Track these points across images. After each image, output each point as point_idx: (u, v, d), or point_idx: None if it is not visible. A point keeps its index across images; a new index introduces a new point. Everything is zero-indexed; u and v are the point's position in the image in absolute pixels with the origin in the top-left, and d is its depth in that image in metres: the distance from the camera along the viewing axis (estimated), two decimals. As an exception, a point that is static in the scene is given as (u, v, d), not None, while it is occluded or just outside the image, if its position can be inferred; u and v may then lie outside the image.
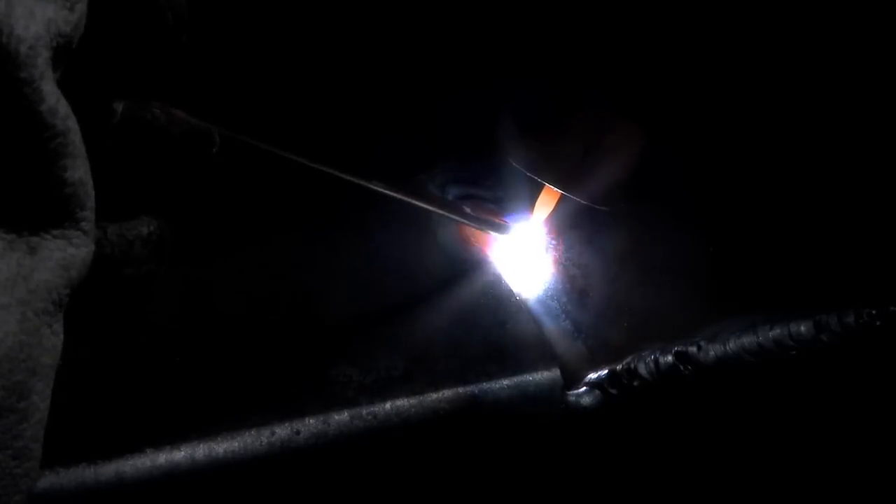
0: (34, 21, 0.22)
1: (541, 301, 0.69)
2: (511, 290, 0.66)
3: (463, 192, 0.74)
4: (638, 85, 0.57)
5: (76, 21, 0.24)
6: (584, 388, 0.63)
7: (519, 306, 0.66)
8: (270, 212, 0.58)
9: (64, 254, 0.24)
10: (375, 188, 0.50)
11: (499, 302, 0.66)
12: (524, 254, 0.68)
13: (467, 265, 0.66)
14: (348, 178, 0.49)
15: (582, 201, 0.61)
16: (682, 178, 0.59)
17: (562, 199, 0.64)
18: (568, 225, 0.67)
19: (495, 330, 0.64)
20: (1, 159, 0.23)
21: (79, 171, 0.24)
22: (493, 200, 0.75)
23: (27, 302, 0.22)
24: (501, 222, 0.61)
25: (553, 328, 0.67)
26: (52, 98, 0.23)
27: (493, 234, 0.62)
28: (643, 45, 0.56)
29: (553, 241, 0.69)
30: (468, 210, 0.59)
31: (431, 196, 0.53)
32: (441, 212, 0.54)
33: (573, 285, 0.68)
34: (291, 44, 0.61)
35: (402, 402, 0.59)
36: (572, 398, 0.63)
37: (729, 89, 0.55)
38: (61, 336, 0.24)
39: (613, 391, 0.61)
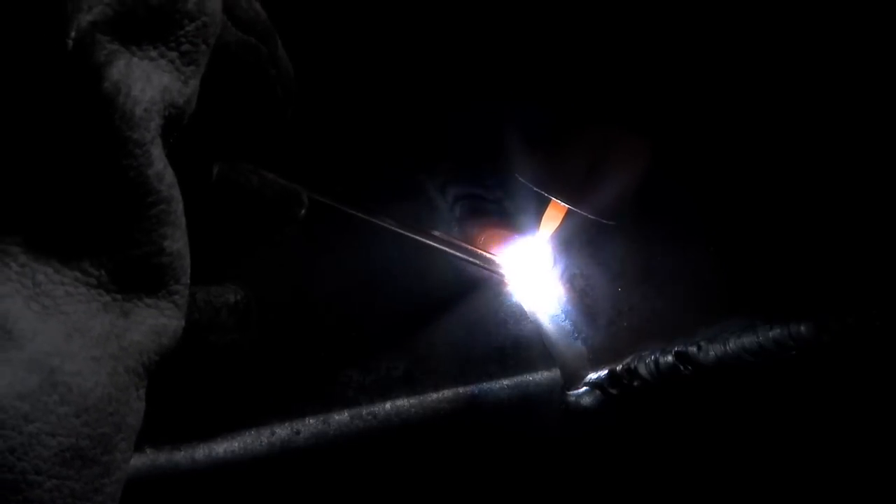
0: (150, 86, 0.22)
1: (541, 303, 0.69)
2: (512, 292, 0.66)
3: (463, 192, 0.74)
4: (643, 98, 0.57)
5: (189, 95, 0.24)
6: (584, 388, 0.63)
7: (519, 307, 0.66)
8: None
9: (156, 322, 0.24)
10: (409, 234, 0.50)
11: (499, 302, 0.66)
12: (529, 264, 0.68)
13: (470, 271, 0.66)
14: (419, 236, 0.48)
15: (589, 215, 0.62)
16: (686, 185, 0.59)
17: (568, 213, 0.64)
18: (573, 237, 0.67)
19: (495, 330, 0.64)
20: (102, 219, 0.23)
21: (178, 242, 0.24)
22: (493, 201, 0.75)
23: (118, 357, 0.22)
24: (501, 267, 0.61)
25: (553, 328, 0.67)
26: (160, 164, 0.23)
27: (492, 274, 0.62)
28: (647, 58, 0.56)
29: (558, 252, 0.69)
30: (471, 248, 0.58)
31: (437, 236, 0.53)
32: (444, 248, 0.54)
33: (573, 285, 0.68)
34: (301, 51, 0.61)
35: (402, 402, 0.59)
36: (572, 398, 0.63)
37: (733, 100, 0.55)
38: (144, 403, 0.24)
39: (613, 391, 0.61)
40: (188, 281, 0.25)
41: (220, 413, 0.53)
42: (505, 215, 0.73)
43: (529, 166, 0.63)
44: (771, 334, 0.53)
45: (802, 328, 0.51)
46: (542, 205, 0.66)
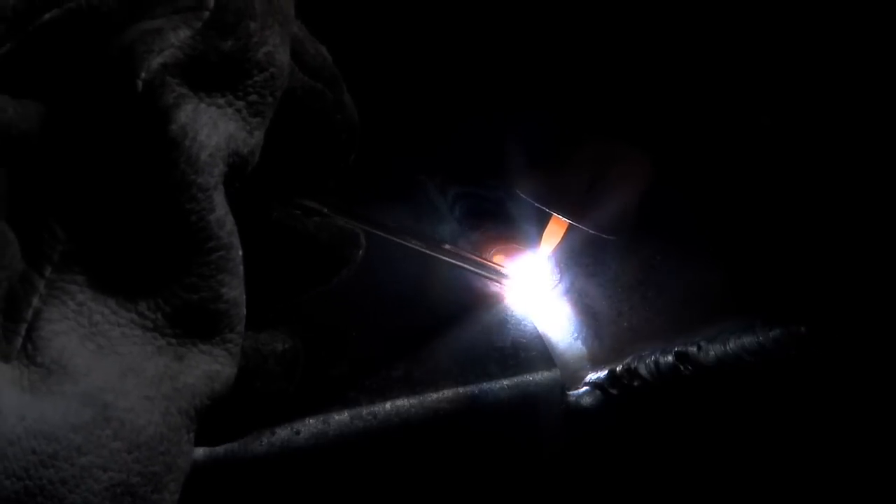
0: (217, 132, 0.22)
1: (542, 304, 0.69)
2: (513, 295, 0.66)
3: (463, 192, 0.74)
4: (644, 113, 0.57)
5: (253, 146, 0.24)
6: (584, 388, 0.63)
7: (520, 307, 0.66)
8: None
9: (209, 368, 0.24)
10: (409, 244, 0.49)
11: (500, 303, 0.66)
12: (530, 272, 0.68)
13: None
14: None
15: (590, 230, 0.62)
16: (686, 187, 0.59)
17: (570, 228, 0.64)
18: (575, 250, 0.67)
19: (495, 330, 0.64)
20: (162, 262, 0.22)
21: (235, 290, 0.24)
22: (494, 200, 0.75)
23: (171, 398, 0.22)
24: (503, 271, 0.61)
25: (553, 328, 0.67)
26: (222, 210, 0.23)
27: (495, 281, 0.62)
28: (649, 73, 0.56)
29: (559, 263, 0.68)
30: (471, 255, 0.58)
31: (436, 243, 0.53)
32: (443, 258, 0.54)
33: (573, 286, 0.68)
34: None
35: (402, 402, 0.59)
36: (572, 398, 0.63)
37: (733, 103, 0.55)
38: (193, 447, 0.24)
39: (613, 391, 0.61)
40: (243, 329, 0.25)
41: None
42: (506, 216, 0.73)
43: (530, 182, 0.63)
44: (771, 334, 0.53)
45: (802, 328, 0.51)
46: (544, 217, 0.66)
